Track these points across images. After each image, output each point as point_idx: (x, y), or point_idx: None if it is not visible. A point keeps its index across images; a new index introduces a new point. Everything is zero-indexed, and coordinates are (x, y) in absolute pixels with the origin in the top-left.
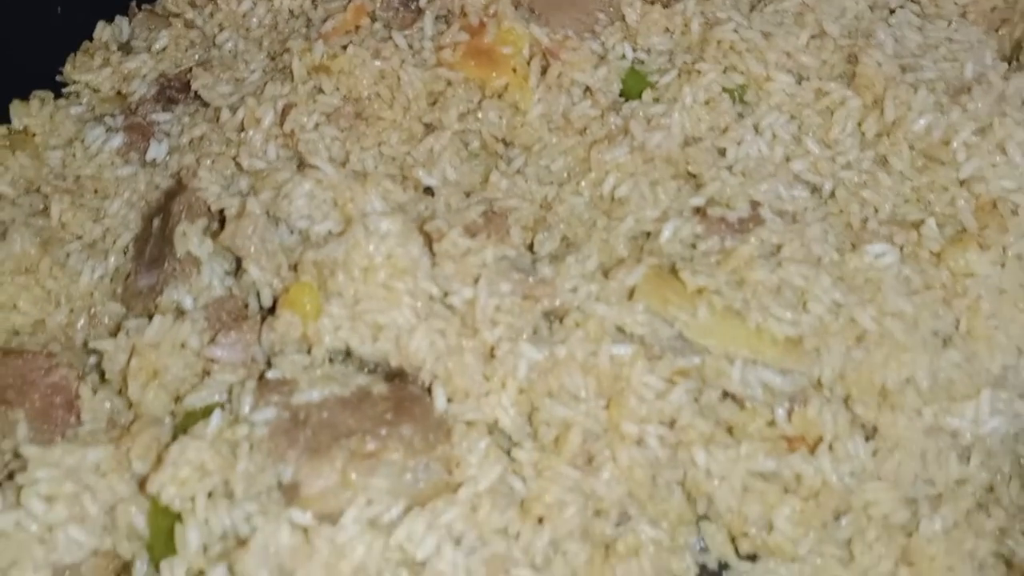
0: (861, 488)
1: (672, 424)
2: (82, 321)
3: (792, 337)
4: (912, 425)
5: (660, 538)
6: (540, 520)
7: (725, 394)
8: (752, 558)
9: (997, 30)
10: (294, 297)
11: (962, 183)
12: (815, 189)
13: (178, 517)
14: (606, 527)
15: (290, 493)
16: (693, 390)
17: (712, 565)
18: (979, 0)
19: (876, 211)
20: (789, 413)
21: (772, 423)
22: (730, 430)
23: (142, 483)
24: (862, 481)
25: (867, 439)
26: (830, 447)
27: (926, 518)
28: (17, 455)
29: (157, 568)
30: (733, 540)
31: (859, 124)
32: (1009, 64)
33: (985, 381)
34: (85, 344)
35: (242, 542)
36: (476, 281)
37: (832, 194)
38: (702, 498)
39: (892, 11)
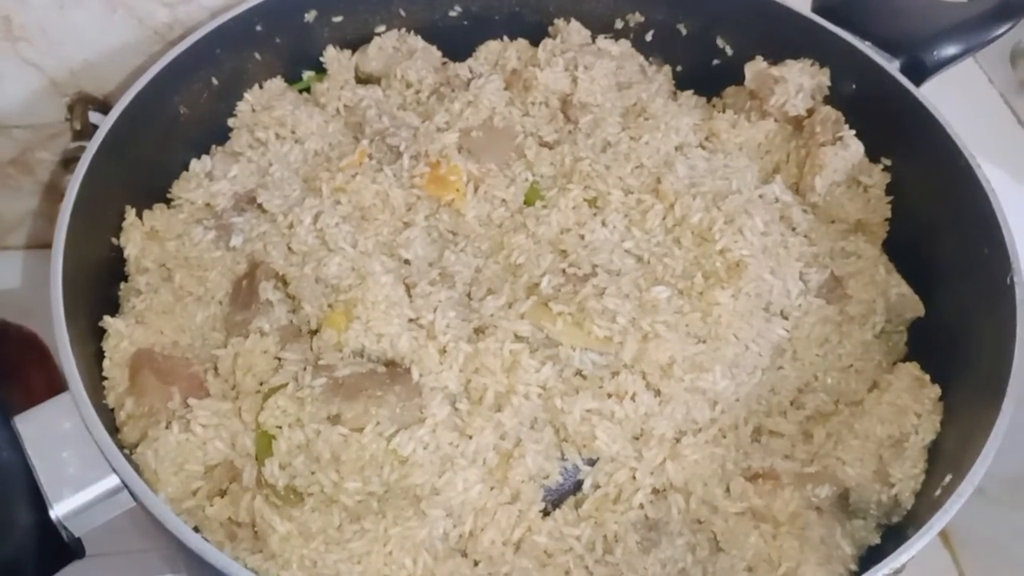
0: (649, 421)
1: (544, 387)
2: (199, 343)
3: (607, 336)
4: (678, 386)
5: (538, 450)
6: (470, 437)
7: (576, 373)
8: (590, 463)
9: (762, 158)
10: (333, 320)
11: (720, 252)
12: (638, 258)
13: (272, 437)
14: (507, 444)
15: (335, 420)
16: (557, 369)
17: (570, 468)
18: (750, 139)
19: (673, 270)
20: (610, 380)
21: (601, 386)
22: (577, 390)
23: (250, 424)
24: (650, 418)
25: (655, 396)
26: (631, 399)
27: (686, 437)
28: (174, 412)
29: (260, 465)
30: (579, 453)
31: (664, 219)
32: (767, 180)
33: (721, 362)
34: (207, 353)
35: (306, 447)
36: (435, 310)
37: (648, 261)
38: (560, 428)
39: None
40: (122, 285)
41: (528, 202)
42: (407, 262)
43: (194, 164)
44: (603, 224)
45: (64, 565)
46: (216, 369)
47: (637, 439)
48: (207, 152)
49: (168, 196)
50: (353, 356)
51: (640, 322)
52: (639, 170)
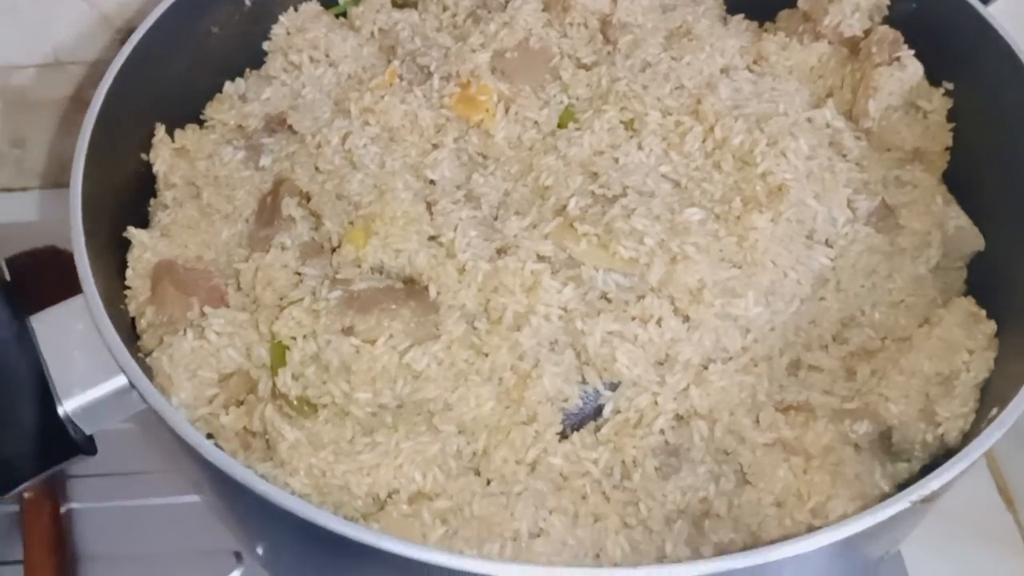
0: (675, 346)
1: (565, 308)
2: (224, 259)
3: (633, 257)
4: (708, 312)
5: (557, 372)
6: (486, 355)
7: (599, 295)
8: (612, 387)
9: (814, 83)
10: (351, 236)
11: (761, 176)
12: (675, 183)
13: (287, 347)
14: (525, 365)
15: (347, 331)
16: (581, 291)
17: (590, 392)
18: (801, 63)
19: (711, 195)
20: (636, 303)
21: (625, 310)
22: (600, 312)
23: (266, 335)
24: (677, 343)
25: (683, 322)
26: (657, 323)
27: (714, 363)
28: (191, 322)
29: (274, 375)
30: (600, 377)
31: (703, 142)
32: (819, 105)
33: (756, 288)
34: (228, 268)
35: (318, 357)
36: (455, 228)
37: (685, 186)
38: (581, 350)
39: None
40: (152, 201)
41: (562, 125)
42: (432, 183)
43: (228, 86)
44: (639, 147)
45: (69, 458)
46: (238, 283)
47: (661, 364)
48: (241, 75)
49: (201, 117)
50: (372, 272)
51: (669, 244)
52: (679, 91)
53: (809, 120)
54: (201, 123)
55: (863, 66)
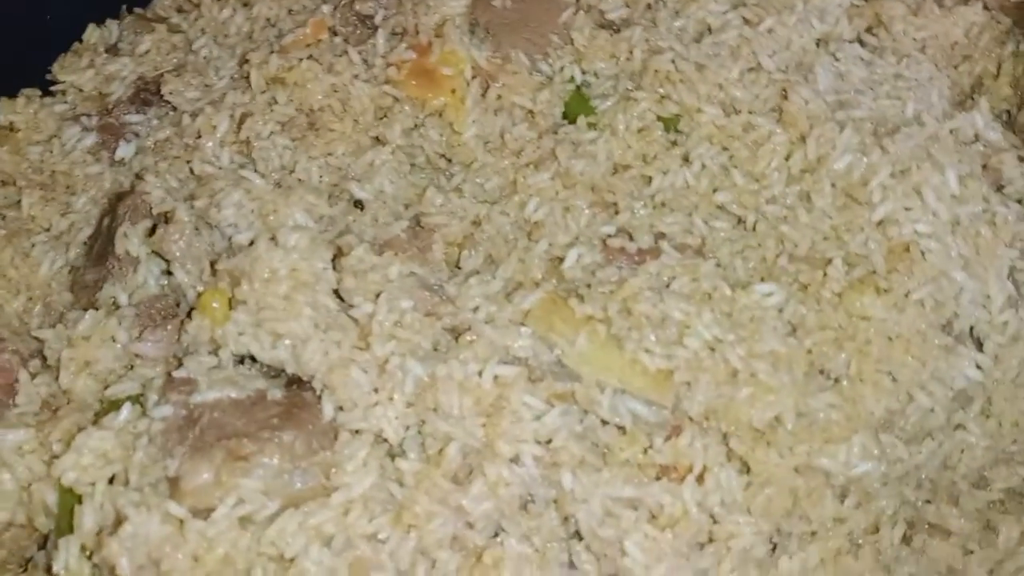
0: (726, 519)
1: (548, 443)
2: (38, 308)
3: (663, 369)
4: (783, 463)
5: (528, 554)
6: (409, 528)
7: (603, 424)
8: None
9: (957, 67)
10: (205, 302)
11: (877, 225)
12: (739, 220)
13: (79, 499)
14: (476, 538)
15: (172, 486)
16: (575, 413)
17: None
18: (939, 36)
19: (795, 246)
20: (666, 441)
21: (647, 451)
22: (604, 455)
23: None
24: (730, 513)
25: (741, 473)
26: (699, 478)
27: (785, 556)
28: None
29: (52, 548)
30: (599, 562)
31: (786, 159)
32: (964, 103)
33: (866, 424)
34: (30, 332)
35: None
36: (377, 296)
37: (754, 227)
38: (571, 518)
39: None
40: None
41: (569, 117)
42: (358, 205)
43: (91, 31)
44: (684, 160)
45: None
46: (43, 359)
47: (702, 548)
48: (114, 16)
49: (47, 78)
50: (239, 362)
51: (725, 351)
52: (754, 75)
53: (952, 132)
54: (45, 88)
55: None
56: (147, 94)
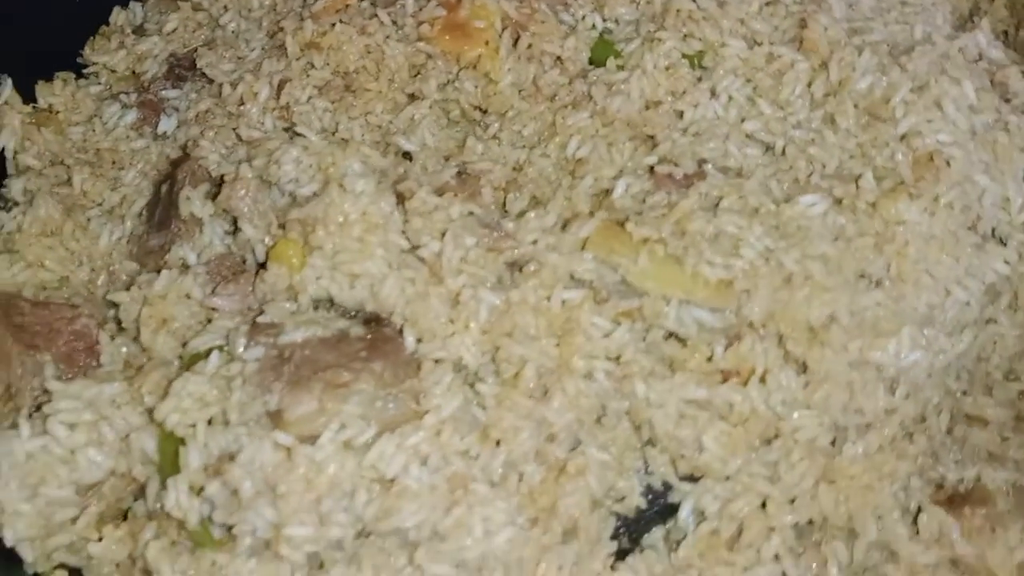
0: (789, 415)
1: (617, 359)
2: (102, 278)
3: (724, 279)
4: (838, 359)
5: (607, 460)
6: (497, 443)
7: (670, 334)
8: (691, 479)
9: None
10: (280, 251)
11: (901, 138)
12: (768, 147)
13: (181, 441)
14: (558, 451)
15: (275, 419)
16: (639, 330)
17: (657, 486)
18: None
19: (823, 166)
20: (726, 349)
21: (711, 359)
22: (671, 365)
23: (152, 414)
24: (792, 409)
25: (799, 373)
26: (761, 379)
27: (850, 442)
28: (45, 390)
29: (161, 487)
30: (673, 463)
31: (808, 85)
32: (964, 26)
33: (911, 319)
34: (105, 297)
35: (232, 459)
36: (443, 235)
37: (783, 151)
38: (645, 425)
39: None
40: None
41: (596, 61)
42: (407, 156)
43: (116, 14)
44: (712, 94)
45: None
46: (118, 321)
47: (768, 444)
48: None
49: (78, 61)
50: (316, 307)
51: (779, 255)
52: (772, 7)
53: (960, 50)
54: (78, 71)
55: None
56: (181, 69)
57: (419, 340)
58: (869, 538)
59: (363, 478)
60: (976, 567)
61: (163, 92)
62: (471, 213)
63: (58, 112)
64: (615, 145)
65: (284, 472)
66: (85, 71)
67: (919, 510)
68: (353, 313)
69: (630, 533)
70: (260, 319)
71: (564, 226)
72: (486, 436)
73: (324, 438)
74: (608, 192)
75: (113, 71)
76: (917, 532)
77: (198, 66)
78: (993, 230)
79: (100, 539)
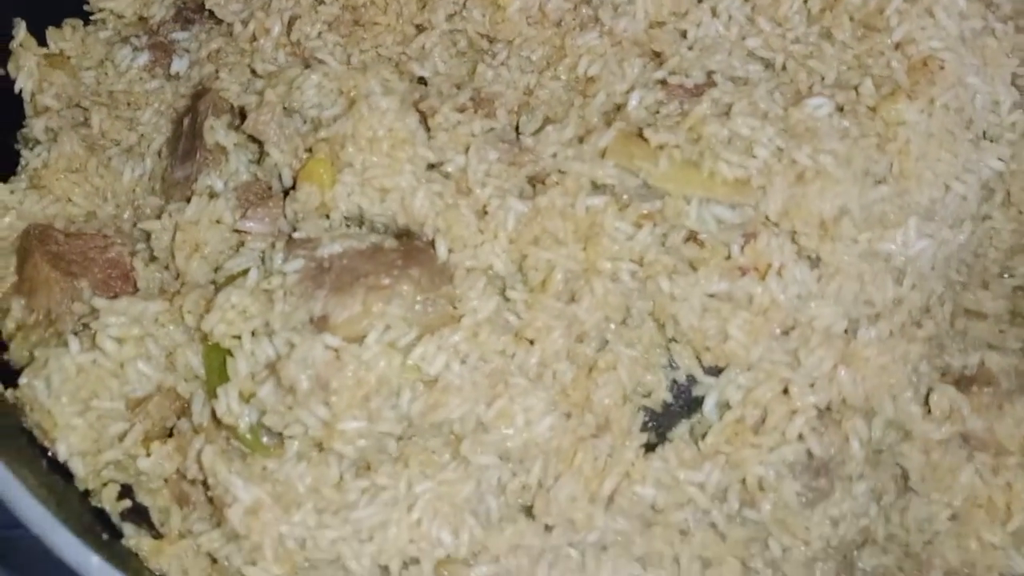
0: (806, 306)
1: (641, 261)
2: (128, 213)
3: (740, 177)
4: (849, 251)
5: (635, 356)
6: (531, 343)
7: (688, 237)
8: (715, 372)
9: None
10: (311, 170)
11: (896, 46)
12: (768, 64)
13: (228, 352)
14: (588, 350)
15: (320, 324)
16: (659, 234)
17: (682, 380)
18: None
19: (822, 78)
20: (742, 248)
21: (728, 257)
22: (691, 265)
23: (195, 331)
24: (808, 302)
25: (812, 268)
26: (778, 273)
27: (863, 328)
28: (83, 315)
29: (212, 397)
30: (698, 357)
31: (805, 2)
32: None
33: (915, 212)
34: (134, 227)
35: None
36: (467, 150)
37: (783, 66)
38: (669, 321)
39: None
40: (18, 135)
41: None
42: (422, 81)
43: None
44: (713, 13)
45: None
46: (150, 251)
47: (787, 334)
48: None
49: (85, 8)
50: (347, 224)
51: (792, 153)
52: None
53: None
54: (86, 17)
55: None
56: (188, 12)
57: (451, 250)
58: (886, 415)
59: (407, 378)
60: (986, 440)
61: (173, 35)
62: (491, 129)
63: (70, 57)
64: (626, 60)
65: (335, 371)
66: (92, 18)
67: (930, 392)
68: (383, 229)
69: (657, 428)
70: (296, 235)
71: (582, 139)
72: (520, 337)
73: (370, 338)
74: (620, 108)
75: (120, 16)
76: (929, 412)
77: (206, 7)
78: (984, 132)
79: (148, 455)
